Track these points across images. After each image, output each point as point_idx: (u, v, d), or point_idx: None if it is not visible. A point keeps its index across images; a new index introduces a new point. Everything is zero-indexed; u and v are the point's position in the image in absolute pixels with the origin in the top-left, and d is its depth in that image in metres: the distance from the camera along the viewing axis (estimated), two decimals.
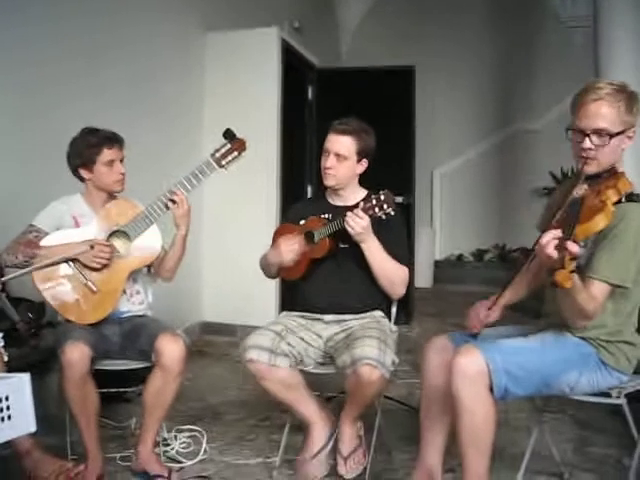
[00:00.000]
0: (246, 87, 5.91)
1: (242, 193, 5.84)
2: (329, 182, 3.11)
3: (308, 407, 2.95)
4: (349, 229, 2.86)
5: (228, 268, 5.88)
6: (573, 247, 2.02)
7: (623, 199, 2.28)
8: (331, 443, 2.94)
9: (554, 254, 2.06)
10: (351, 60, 9.21)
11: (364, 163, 3.12)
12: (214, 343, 5.71)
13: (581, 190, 2.33)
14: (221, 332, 5.90)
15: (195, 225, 5.17)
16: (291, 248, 3.03)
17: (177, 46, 5.55)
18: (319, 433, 2.94)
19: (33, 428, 1.98)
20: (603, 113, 2.34)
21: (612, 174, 2.34)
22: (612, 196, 2.23)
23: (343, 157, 3.03)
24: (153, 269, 3.26)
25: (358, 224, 2.83)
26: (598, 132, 2.35)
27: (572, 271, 2.03)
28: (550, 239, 2.09)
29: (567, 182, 2.64)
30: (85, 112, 3.92)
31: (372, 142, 3.11)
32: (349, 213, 2.85)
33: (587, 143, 2.37)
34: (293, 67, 6.38)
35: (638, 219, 2.30)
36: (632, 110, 2.37)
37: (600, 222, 2.18)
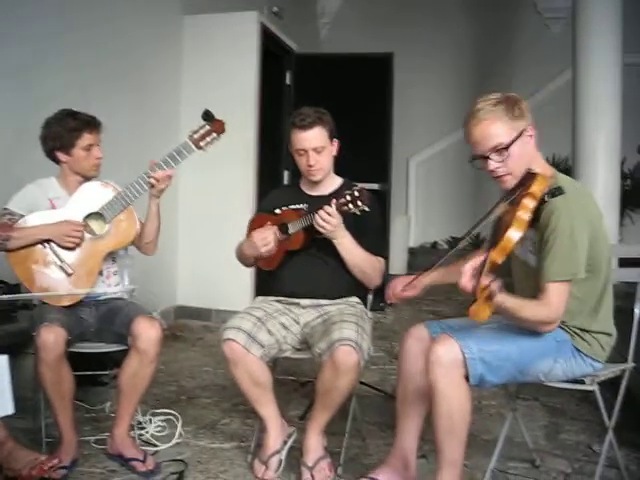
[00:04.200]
0: (224, 71, 5.87)
1: (219, 177, 5.81)
2: (317, 177, 3.10)
3: (268, 409, 2.92)
4: (319, 228, 2.87)
5: (203, 252, 5.86)
6: (483, 279, 2.09)
7: (546, 198, 2.27)
8: (285, 450, 2.93)
9: (468, 287, 2.14)
10: (330, 46, 9.17)
11: (336, 143, 3.12)
12: (189, 327, 5.71)
13: (498, 211, 2.38)
14: (196, 316, 5.91)
15: (171, 209, 5.15)
16: (265, 241, 3.01)
17: (154, 29, 5.48)
18: (274, 437, 2.92)
19: (11, 410, 1.97)
20: (490, 132, 2.38)
21: (527, 179, 2.33)
22: (529, 204, 2.24)
23: (321, 149, 3.03)
24: (135, 246, 3.23)
25: (328, 223, 2.84)
26: (495, 150, 2.38)
27: (487, 300, 2.08)
28: (467, 270, 2.17)
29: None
30: (59, 94, 3.88)
31: (331, 120, 3.10)
32: (319, 212, 2.85)
33: (491, 164, 2.41)
34: (271, 52, 6.35)
35: (565, 210, 2.28)
36: (517, 114, 2.39)
37: (514, 234, 2.19)
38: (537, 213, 2.27)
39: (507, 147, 2.37)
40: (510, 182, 2.41)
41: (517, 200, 2.28)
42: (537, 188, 2.27)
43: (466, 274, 2.17)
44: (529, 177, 2.33)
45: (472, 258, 2.22)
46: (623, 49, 5.50)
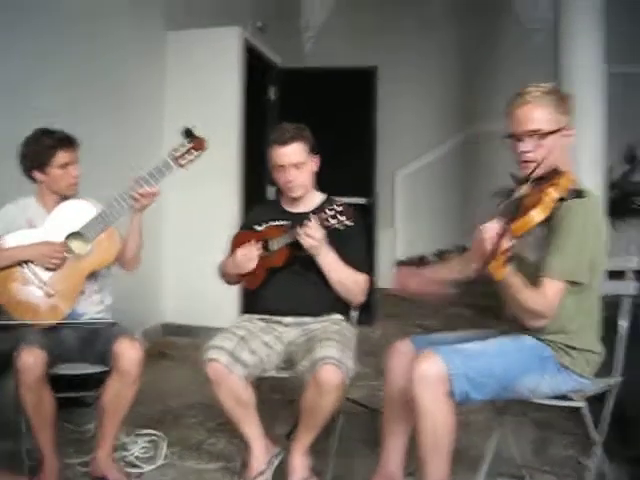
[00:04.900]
0: (207, 87, 5.86)
1: (203, 194, 5.78)
2: (297, 193, 3.08)
3: (252, 429, 2.89)
4: (303, 243, 2.85)
5: (189, 268, 5.82)
6: (505, 242, 2.07)
7: (568, 197, 2.27)
8: (270, 471, 2.89)
9: (488, 247, 2.11)
10: (315, 60, 9.14)
11: (316, 159, 3.10)
12: (176, 345, 5.64)
13: (522, 191, 2.35)
14: (183, 333, 5.84)
15: (155, 225, 5.11)
16: (248, 257, 3.00)
17: (136, 45, 5.44)
18: (259, 457, 2.88)
19: None
20: (533, 115, 2.39)
21: (553, 175, 2.34)
22: (552, 192, 2.24)
23: (300, 164, 3.02)
24: (118, 264, 3.20)
25: (311, 238, 2.83)
26: (531, 134, 2.40)
27: (504, 263, 2.09)
28: (487, 231, 2.16)
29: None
30: (41, 111, 3.84)
31: (311, 135, 3.08)
32: (301, 229, 2.84)
33: (522, 146, 2.42)
34: (255, 67, 6.33)
35: (582, 214, 2.32)
36: (562, 110, 2.42)
37: (536, 216, 2.20)
38: (552, 210, 2.27)
39: (544, 135, 2.38)
40: (534, 170, 2.38)
41: (542, 188, 2.28)
42: (564, 183, 2.27)
43: (486, 237, 2.15)
44: (556, 173, 2.33)
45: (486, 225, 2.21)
46: (609, 59, 5.51)
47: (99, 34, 4.83)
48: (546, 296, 2.30)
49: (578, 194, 2.27)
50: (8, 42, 3.93)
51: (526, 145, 2.41)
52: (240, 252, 3.03)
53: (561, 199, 2.26)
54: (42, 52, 4.19)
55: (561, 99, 2.43)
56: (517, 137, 2.44)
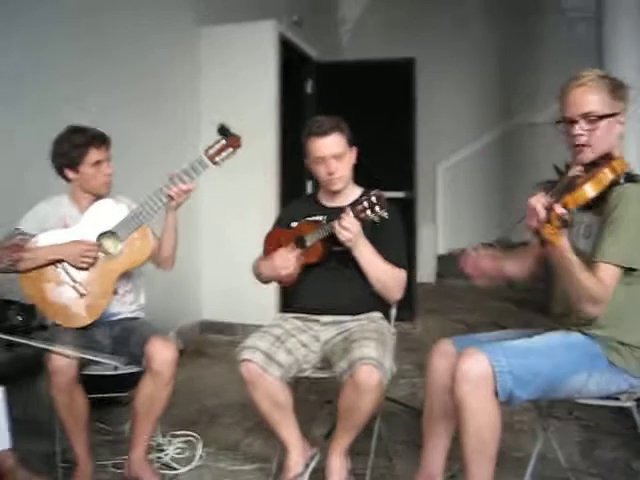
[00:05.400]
0: (243, 82, 5.81)
1: (241, 190, 5.75)
2: (338, 186, 3.00)
3: (289, 431, 2.82)
4: (339, 236, 2.78)
5: (227, 265, 5.76)
6: (558, 208, 2.01)
7: (622, 180, 2.22)
8: (307, 473, 2.82)
9: (542, 212, 2.04)
10: (352, 53, 9.07)
11: (354, 151, 3.02)
12: (214, 342, 5.60)
13: (575, 171, 2.28)
14: (221, 331, 5.81)
15: (192, 222, 5.09)
16: (287, 264, 2.94)
17: (171, 42, 5.42)
18: (296, 460, 2.81)
19: (7, 445, 1.89)
20: (588, 98, 2.33)
21: (606, 159, 2.27)
22: (608, 174, 2.19)
23: (340, 155, 2.93)
24: (153, 263, 3.16)
25: (347, 232, 2.76)
26: (586, 116, 2.32)
27: (559, 228, 2.03)
28: (538, 199, 2.08)
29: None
30: (81, 112, 3.81)
31: (347, 127, 3.00)
32: (337, 222, 2.77)
33: (577, 129, 2.34)
34: (291, 61, 6.27)
35: (637, 199, 2.23)
36: (617, 95, 2.35)
37: (589, 190, 2.14)
38: (604, 195, 2.21)
39: (599, 118, 2.31)
40: (587, 154, 2.33)
41: (596, 169, 2.21)
42: (618, 165, 2.22)
43: (538, 204, 2.07)
44: (609, 158, 2.27)
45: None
46: None
47: (133, 33, 4.82)
48: (602, 280, 2.21)
49: (632, 178, 2.21)
50: (48, 43, 3.93)
51: (581, 128, 2.33)
52: (278, 259, 2.97)
53: (615, 183, 2.20)
54: (80, 54, 4.21)
55: (617, 86, 2.36)
56: (571, 120, 2.36)
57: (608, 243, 2.23)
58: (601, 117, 2.31)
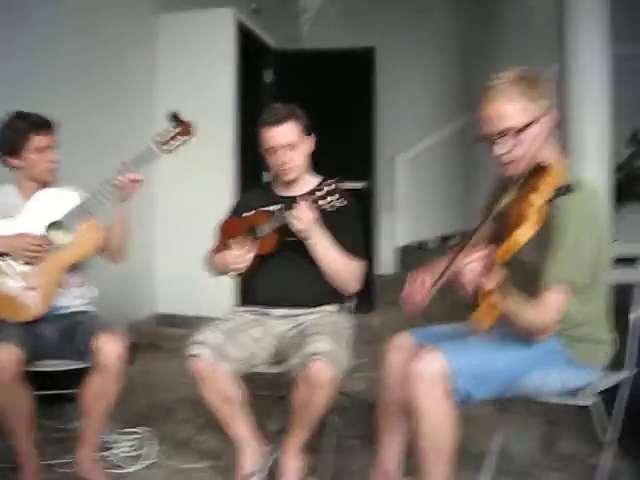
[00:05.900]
0: (200, 70, 5.72)
1: (196, 180, 5.65)
2: (291, 176, 2.94)
3: (242, 429, 2.74)
4: (294, 224, 2.71)
5: (183, 257, 5.63)
6: (486, 284, 1.97)
7: (555, 196, 2.05)
8: (262, 471, 2.75)
9: (469, 289, 2.01)
10: (312, 42, 8.99)
11: (311, 140, 2.95)
12: (169, 336, 5.46)
13: (506, 199, 2.18)
14: (177, 324, 5.67)
15: (147, 213, 4.97)
16: (238, 260, 2.87)
17: (128, 28, 5.29)
18: (249, 457, 2.75)
19: None
20: (504, 111, 2.17)
21: (536, 172, 2.13)
22: (536, 200, 2.04)
23: (294, 145, 2.86)
24: (104, 255, 3.06)
25: (300, 222, 2.69)
26: (502, 134, 2.18)
27: (492, 308, 2.01)
28: (468, 269, 2.03)
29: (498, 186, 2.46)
30: (28, 98, 3.69)
31: (304, 115, 2.93)
32: (291, 212, 2.70)
33: (497, 149, 2.20)
34: (250, 49, 6.20)
35: (575, 210, 2.10)
36: (535, 95, 2.18)
37: (521, 236, 2.03)
38: (541, 216, 2.07)
39: (518, 132, 2.16)
40: (515, 168, 2.21)
41: (524, 195, 2.09)
42: (547, 184, 2.06)
43: (467, 273, 2.00)
44: (539, 170, 2.12)
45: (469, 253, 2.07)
46: (614, 40, 5.33)
47: (90, 18, 4.69)
48: (549, 309, 2.13)
49: (567, 189, 2.05)
50: None
51: (502, 147, 2.20)
52: (231, 256, 2.89)
53: (549, 200, 2.05)
54: (31, 37, 4.05)
55: (532, 84, 2.19)
56: (491, 139, 2.22)
57: (549, 267, 2.12)
58: (521, 129, 2.17)
